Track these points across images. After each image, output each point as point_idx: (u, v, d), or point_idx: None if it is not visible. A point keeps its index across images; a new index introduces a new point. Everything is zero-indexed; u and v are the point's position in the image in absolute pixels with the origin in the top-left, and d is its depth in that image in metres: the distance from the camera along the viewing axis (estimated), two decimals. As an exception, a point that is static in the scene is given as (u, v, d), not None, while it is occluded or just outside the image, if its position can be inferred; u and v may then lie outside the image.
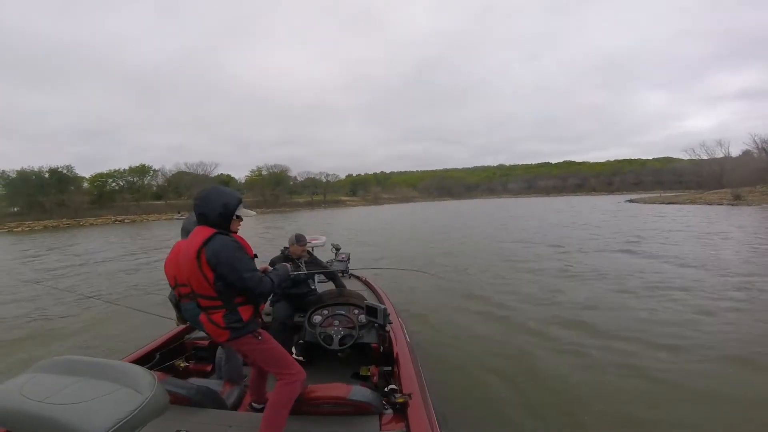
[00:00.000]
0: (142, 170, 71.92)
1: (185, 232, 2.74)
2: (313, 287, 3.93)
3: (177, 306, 2.83)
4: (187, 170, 74.30)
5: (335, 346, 2.92)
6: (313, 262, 3.94)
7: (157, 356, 3.00)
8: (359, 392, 2.07)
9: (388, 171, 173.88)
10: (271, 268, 2.55)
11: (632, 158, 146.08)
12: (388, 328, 3.11)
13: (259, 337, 1.97)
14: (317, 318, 3.18)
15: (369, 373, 2.85)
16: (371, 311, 3.06)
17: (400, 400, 2.13)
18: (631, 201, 50.53)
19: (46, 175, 58.32)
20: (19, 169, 56.84)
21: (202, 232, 1.89)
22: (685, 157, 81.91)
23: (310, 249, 4.24)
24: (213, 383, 2.48)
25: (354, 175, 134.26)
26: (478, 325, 5.36)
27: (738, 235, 13.84)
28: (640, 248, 11.45)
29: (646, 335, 4.67)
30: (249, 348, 1.98)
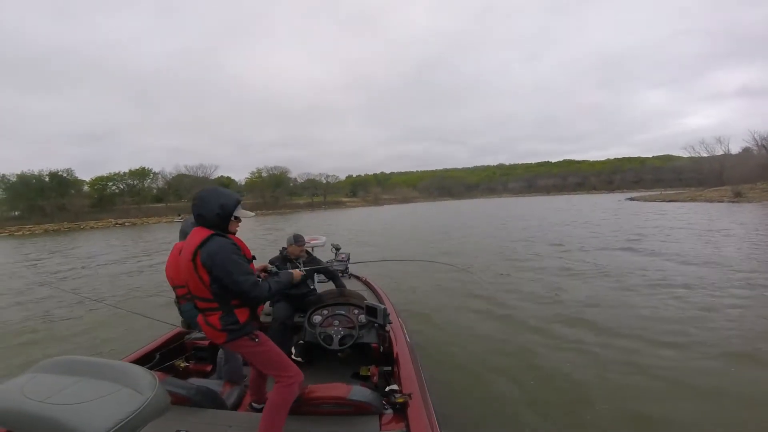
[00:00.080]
0: (142, 173, 71.96)
1: (183, 234, 2.76)
2: (312, 287, 3.93)
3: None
4: (187, 172, 74.35)
5: (335, 346, 2.93)
6: (312, 262, 3.93)
7: (157, 356, 3.01)
8: (359, 392, 2.08)
9: (388, 171, 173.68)
10: (271, 266, 2.56)
11: (632, 156, 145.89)
12: (388, 328, 3.11)
13: (256, 340, 1.97)
14: (317, 318, 3.18)
15: (369, 373, 2.86)
16: (371, 311, 3.07)
17: (400, 400, 2.14)
18: (631, 199, 50.42)
19: (47, 179, 58.39)
20: (19, 173, 57.09)
21: (199, 234, 1.89)
22: (685, 154, 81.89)
23: (309, 249, 4.24)
24: (213, 383, 2.49)
25: (354, 175, 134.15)
26: (479, 324, 5.36)
27: (739, 232, 13.82)
28: (642, 246, 11.44)
29: (648, 333, 4.67)
30: (246, 350, 1.99)
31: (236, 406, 2.44)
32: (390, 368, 2.81)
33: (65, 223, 51.13)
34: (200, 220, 1.93)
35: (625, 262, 9.11)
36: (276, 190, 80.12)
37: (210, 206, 1.90)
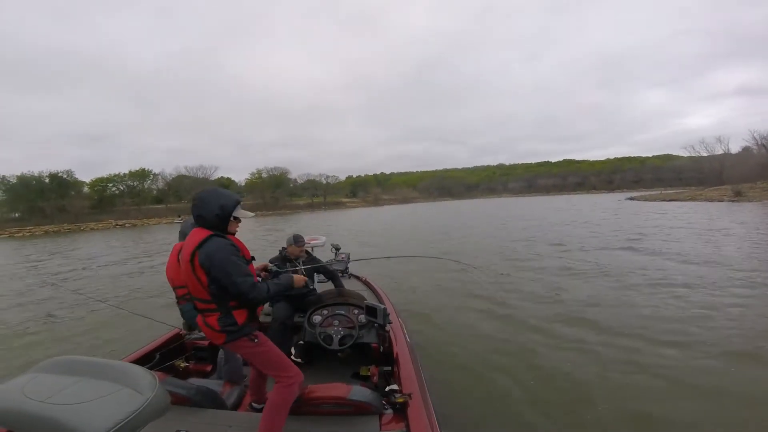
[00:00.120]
0: (142, 174, 72.04)
1: (183, 235, 2.77)
2: (312, 287, 3.93)
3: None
4: (187, 173, 74.37)
5: (335, 346, 2.93)
6: (312, 262, 3.93)
7: (157, 356, 3.01)
8: (359, 392, 2.08)
9: (388, 172, 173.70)
10: (271, 266, 2.56)
11: (632, 156, 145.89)
12: (388, 328, 3.11)
13: (255, 340, 1.96)
14: (317, 318, 3.19)
15: (369, 373, 2.86)
16: (371, 311, 3.07)
17: (400, 400, 2.14)
18: (631, 199, 50.41)
19: (47, 180, 58.42)
20: (19, 174, 57.11)
21: (198, 234, 1.88)
22: (685, 154, 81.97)
23: (309, 249, 4.24)
24: (213, 383, 2.49)
25: (354, 176, 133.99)
26: (479, 324, 5.36)
27: (740, 231, 13.81)
28: (642, 245, 11.44)
29: (649, 332, 4.68)
30: (245, 351, 1.99)
31: (236, 406, 2.44)
32: (390, 368, 2.81)
33: (65, 224, 51.11)
34: (200, 221, 1.93)
35: (626, 262, 9.11)
36: (276, 191, 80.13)
37: (209, 207, 1.89)
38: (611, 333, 4.73)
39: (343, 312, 3.20)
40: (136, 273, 11.49)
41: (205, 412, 2.13)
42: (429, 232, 20.03)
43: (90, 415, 1.07)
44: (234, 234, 2.02)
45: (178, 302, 2.84)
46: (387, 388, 2.29)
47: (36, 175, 58.25)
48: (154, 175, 73.51)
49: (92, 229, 48.49)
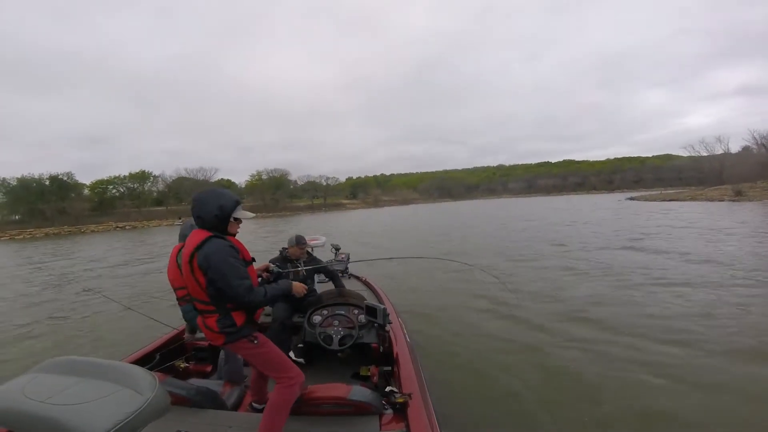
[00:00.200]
0: (143, 176, 72.03)
1: (182, 236, 2.79)
2: (313, 287, 3.94)
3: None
4: (187, 176, 74.29)
5: (335, 346, 2.93)
6: (312, 262, 3.93)
7: (158, 357, 3.01)
8: (359, 392, 2.08)
9: (388, 173, 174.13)
10: (273, 267, 2.55)
11: (632, 156, 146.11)
12: (387, 328, 3.11)
13: (255, 341, 1.95)
14: (317, 318, 3.19)
15: (369, 373, 2.86)
16: (371, 311, 3.07)
17: (400, 400, 2.14)
18: (631, 199, 50.40)
19: (47, 183, 58.41)
20: (19, 177, 57.09)
21: (197, 236, 1.87)
22: (685, 154, 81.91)
23: (309, 249, 4.24)
24: (213, 384, 2.49)
25: (354, 177, 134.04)
26: (479, 323, 5.35)
27: (741, 230, 13.80)
28: (644, 245, 11.43)
29: (652, 330, 4.68)
30: (246, 352, 1.98)
31: (236, 407, 2.44)
32: (390, 368, 2.81)
33: (65, 226, 51.12)
34: (199, 222, 1.92)
35: (628, 261, 9.10)
36: (276, 193, 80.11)
37: (208, 208, 1.88)
38: (613, 332, 4.73)
39: (343, 312, 3.20)
40: (137, 274, 11.49)
41: (205, 413, 2.14)
42: (429, 233, 20.02)
43: (90, 416, 1.07)
44: (234, 235, 2.01)
45: (179, 303, 2.85)
46: (387, 388, 2.29)
47: (36, 177, 58.32)
48: (154, 177, 73.54)
49: (92, 231, 48.52)
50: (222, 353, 2.88)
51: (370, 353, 3.12)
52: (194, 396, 2.17)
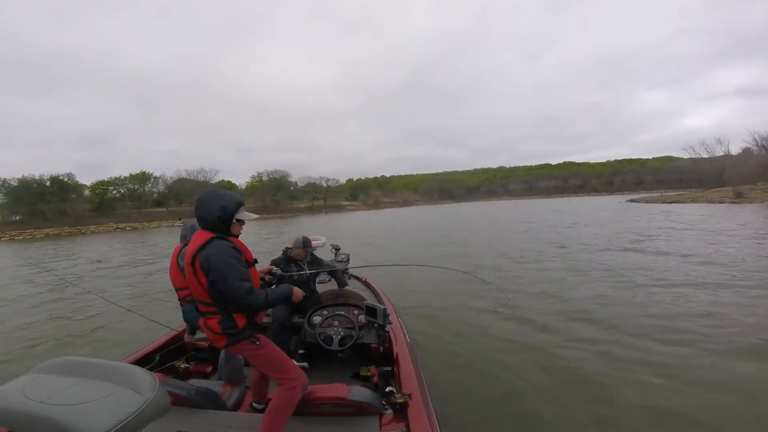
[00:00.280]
0: (143, 177, 72.12)
1: (183, 237, 2.81)
2: (314, 288, 3.94)
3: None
4: (188, 177, 74.40)
5: (335, 346, 2.93)
6: (315, 263, 3.94)
7: (158, 357, 3.01)
8: (359, 393, 2.08)
9: (388, 175, 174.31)
10: (276, 269, 2.55)
11: (632, 158, 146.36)
12: (387, 328, 3.11)
13: (257, 343, 1.95)
14: (317, 318, 3.19)
15: (369, 374, 2.86)
16: (371, 311, 3.06)
17: (400, 401, 2.14)
18: (632, 201, 50.41)
19: (48, 183, 58.50)
20: (20, 177, 57.20)
21: (200, 237, 1.88)
22: (685, 155, 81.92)
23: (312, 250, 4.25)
24: (213, 384, 2.49)
25: (354, 179, 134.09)
26: (479, 324, 5.35)
27: (742, 232, 13.79)
28: (645, 246, 11.41)
29: (653, 331, 4.67)
30: (247, 353, 1.97)
31: (236, 407, 2.44)
32: (390, 368, 2.82)
33: (66, 227, 51.17)
34: (202, 223, 1.92)
35: (629, 263, 9.08)
36: (276, 194, 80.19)
37: (210, 209, 1.88)
38: (614, 332, 4.73)
39: (342, 312, 3.20)
40: (137, 275, 11.49)
41: (205, 413, 2.14)
42: (431, 235, 20.01)
43: (90, 416, 1.07)
44: (237, 236, 2.01)
45: (180, 304, 2.86)
46: (387, 389, 2.29)
47: (37, 178, 58.44)
48: (155, 178, 73.65)
49: (93, 232, 48.56)
50: (222, 353, 2.88)
51: (370, 353, 3.12)
52: (194, 396, 2.17)
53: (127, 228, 52.19)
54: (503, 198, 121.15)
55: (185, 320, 2.95)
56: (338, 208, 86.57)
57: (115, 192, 69.78)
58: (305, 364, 3.06)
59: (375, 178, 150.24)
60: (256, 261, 2.05)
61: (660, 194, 62.48)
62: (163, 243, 24.03)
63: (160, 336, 3.37)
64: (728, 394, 3.24)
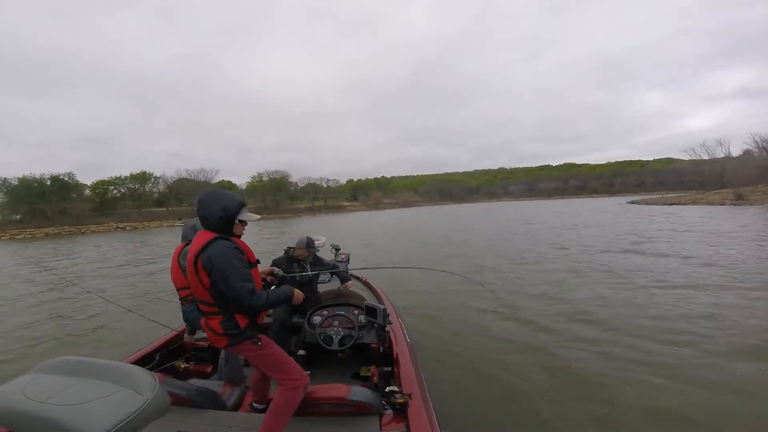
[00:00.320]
0: (143, 177, 72.21)
1: (184, 237, 2.82)
2: (315, 288, 3.94)
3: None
4: (188, 177, 74.46)
5: (335, 346, 2.93)
6: (317, 263, 3.95)
7: (158, 357, 3.01)
8: (359, 393, 2.08)
9: (388, 175, 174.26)
10: (278, 270, 2.55)
11: (633, 159, 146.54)
12: (387, 328, 3.11)
13: (259, 343, 1.94)
14: (317, 318, 3.19)
15: (369, 374, 2.86)
16: (371, 311, 3.06)
17: (400, 401, 2.14)
18: (632, 202, 50.41)
19: (48, 183, 58.62)
20: (21, 177, 57.34)
21: (203, 237, 1.88)
22: (685, 157, 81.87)
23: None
24: (213, 384, 2.49)
25: (355, 180, 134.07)
26: (479, 324, 5.34)
27: (742, 233, 13.78)
28: (646, 248, 11.40)
29: (654, 332, 4.67)
30: (249, 354, 1.97)
31: (236, 407, 2.44)
32: (390, 368, 2.81)
33: (66, 226, 51.23)
34: (204, 223, 1.92)
35: (629, 264, 9.07)
36: (277, 194, 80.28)
37: (212, 209, 1.88)
38: (614, 332, 4.73)
39: (342, 312, 3.20)
40: (138, 274, 11.49)
41: (205, 413, 2.13)
42: (431, 236, 20.01)
43: (90, 416, 1.07)
44: (240, 237, 2.01)
45: (181, 303, 2.86)
46: (387, 389, 2.29)
47: (38, 177, 58.57)
48: (155, 178, 73.79)
49: (93, 231, 48.61)
50: (222, 353, 2.88)
51: (370, 353, 3.11)
52: (194, 396, 2.17)
53: (128, 227, 52.23)
54: (503, 199, 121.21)
55: (185, 320, 2.95)
56: (338, 209, 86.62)
57: (115, 192, 69.90)
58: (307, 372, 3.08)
59: (375, 179, 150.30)
60: (258, 261, 2.05)
61: (660, 196, 62.48)
62: (164, 243, 24.03)
63: (160, 336, 3.36)
64: (728, 395, 3.24)
